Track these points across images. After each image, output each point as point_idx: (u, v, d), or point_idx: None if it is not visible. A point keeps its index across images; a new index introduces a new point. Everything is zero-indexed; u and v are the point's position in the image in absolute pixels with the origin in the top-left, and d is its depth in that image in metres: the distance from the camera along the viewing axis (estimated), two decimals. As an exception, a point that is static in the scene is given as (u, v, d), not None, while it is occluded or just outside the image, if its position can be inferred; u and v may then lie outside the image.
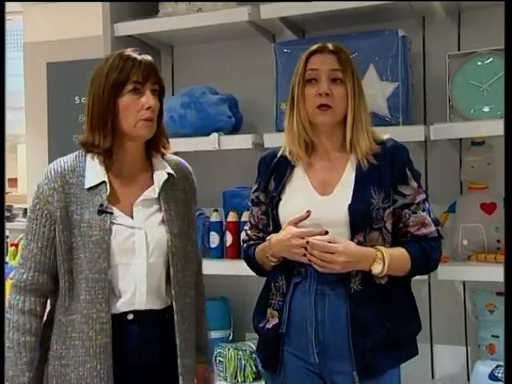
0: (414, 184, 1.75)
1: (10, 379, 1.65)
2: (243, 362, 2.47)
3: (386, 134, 1.81)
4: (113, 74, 1.65)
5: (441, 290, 2.42)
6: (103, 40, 2.59)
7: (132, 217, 1.67)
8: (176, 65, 2.90)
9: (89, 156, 1.70)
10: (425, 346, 2.43)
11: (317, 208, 1.71)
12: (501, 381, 2.15)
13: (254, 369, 2.48)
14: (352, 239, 1.68)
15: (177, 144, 2.29)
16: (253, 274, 2.24)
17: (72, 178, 1.67)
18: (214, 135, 2.48)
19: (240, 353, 2.49)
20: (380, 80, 2.27)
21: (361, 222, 1.69)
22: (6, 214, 6.09)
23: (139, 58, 1.67)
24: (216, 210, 2.57)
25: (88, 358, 1.61)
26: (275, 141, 2.33)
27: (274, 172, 1.85)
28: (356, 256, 1.65)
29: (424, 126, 2.25)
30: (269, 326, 1.78)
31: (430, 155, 2.45)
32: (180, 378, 1.68)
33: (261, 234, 1.87)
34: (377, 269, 1.66)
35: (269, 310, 1.80)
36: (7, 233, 5.79)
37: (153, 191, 1.71)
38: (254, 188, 1.92)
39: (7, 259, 5.13)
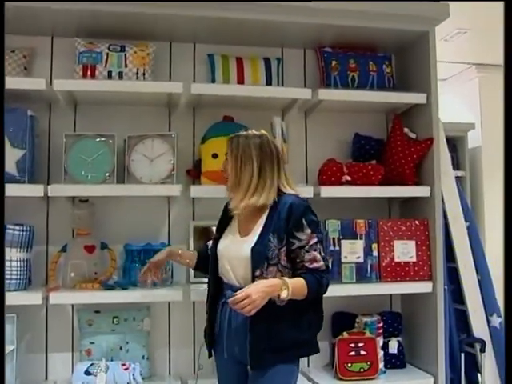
0: (308, 231, 2.15)
1: None
2: None
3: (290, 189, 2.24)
4: None
5: (56, 311, 2.78)
6: None
7: None
8: None
9: None
10: (40, 355, 2.78)
11: (236, 246, 2.23)
12: (93, 375, 2.49)
13: None
14: (253, 271, 2.10)
15: None
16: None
17: None
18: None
19: None
20: (12, 147, 2.54)
21: (259, 259, 2.11)
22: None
23: None
24: None
25: None
26: None
27: (225, 217, 2.36)
28: (265, 289, 2.02)
29: (44, 185, 2.55)
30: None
31: (51, 209, 2.82)
32: None
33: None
34: (284, 294, 2.03)
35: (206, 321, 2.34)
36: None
37: None
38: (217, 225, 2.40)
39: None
